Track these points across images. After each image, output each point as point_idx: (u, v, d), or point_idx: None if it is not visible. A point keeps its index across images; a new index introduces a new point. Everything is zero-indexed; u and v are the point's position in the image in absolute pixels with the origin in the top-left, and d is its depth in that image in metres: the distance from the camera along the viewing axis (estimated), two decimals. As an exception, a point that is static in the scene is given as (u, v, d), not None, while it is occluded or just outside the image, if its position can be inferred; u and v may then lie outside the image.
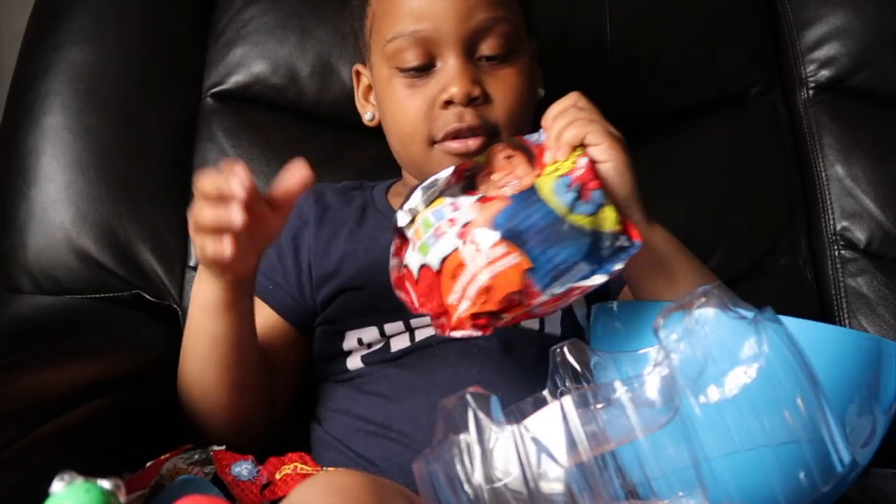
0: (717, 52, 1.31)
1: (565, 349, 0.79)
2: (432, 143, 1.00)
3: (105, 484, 0.59)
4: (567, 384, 0.79)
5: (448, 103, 0.98)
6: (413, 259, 0.85)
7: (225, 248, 0.82)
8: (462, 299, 0.79)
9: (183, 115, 1.24)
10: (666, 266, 0.88)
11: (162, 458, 0.83)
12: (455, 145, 0.99)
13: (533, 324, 0.98)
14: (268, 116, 1.25)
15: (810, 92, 1.33)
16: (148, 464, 0.81)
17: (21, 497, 0.73)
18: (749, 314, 0.66)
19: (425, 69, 0.99)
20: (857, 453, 0.82)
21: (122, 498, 0.58)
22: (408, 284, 0.85)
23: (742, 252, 1.25)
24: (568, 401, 0.61)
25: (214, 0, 1.29)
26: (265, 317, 1.01)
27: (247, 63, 1.25)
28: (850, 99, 1.30)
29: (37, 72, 1.23)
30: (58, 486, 0.58)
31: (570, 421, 0.60)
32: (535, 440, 0.61)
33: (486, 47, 0.99)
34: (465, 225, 0.82)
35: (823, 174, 1.29)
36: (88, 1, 1.26)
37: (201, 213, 0.83)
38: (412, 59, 0.98)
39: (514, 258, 0.79)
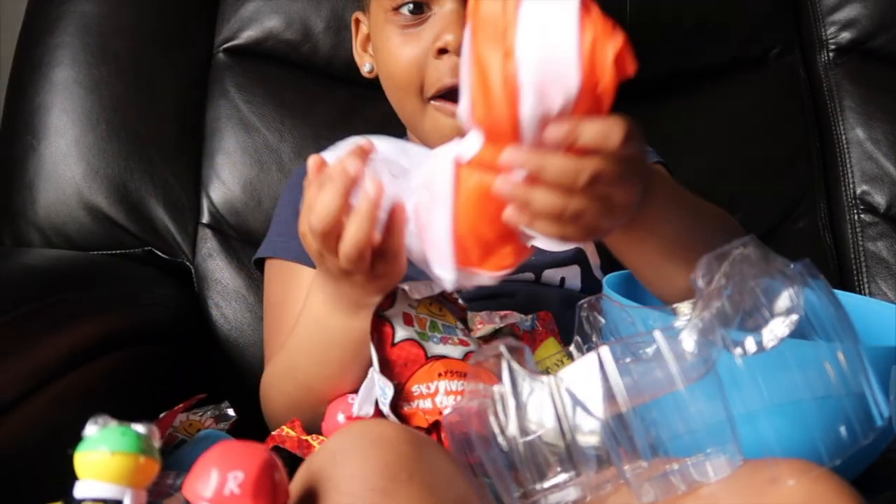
0: (736, 12, 1.29)
1: (592, 303, 0.78)
2: (427, 99, 0.94)
3: (139, 428, 0.58)
4: (594, 339, 0.79)
5: (442, 52, 0.92)
6: (405, 332, 0.81)
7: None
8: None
9: (195, 71, 1.22)
10: (681, 248, 0.79)
11: (175, 409, 0.82)
12: (451, 108, 0.91)
13: (554, 278, 0.96)
14: (281, 72, 1.23)
15: (830, 54, 1.31)
16: (162, 415, 0.80)
17: (46, 449, 0.72)
18: (787, 268, 0.64)
19: (420, 11, 0.93)
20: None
21: (156, 442, 0.57)
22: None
23: (761, 214, 1.24)
24: (606, 351, 0.60)
25: (227, -46, 1.27)
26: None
27: (259, 18, 1.23)
28: (870, 61, 1.28)
29: (45, 25, 1.21)
30: (91, 430, 0.56)
31: (608, 372, 0.59)
32: (569, 392, 0.60)
33: None
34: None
35: (843, 137, 1.27)
36: (98, -44, 1.24)
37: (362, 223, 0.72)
38: (409, 1, 0.93)
39: None
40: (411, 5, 0.94)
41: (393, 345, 0.78)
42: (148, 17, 1.22)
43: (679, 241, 0.78)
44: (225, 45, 1.24)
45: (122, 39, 1.21)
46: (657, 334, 0.60)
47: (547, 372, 0.64)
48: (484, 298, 0.92)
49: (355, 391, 0.81)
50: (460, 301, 0.85)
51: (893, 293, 1.22)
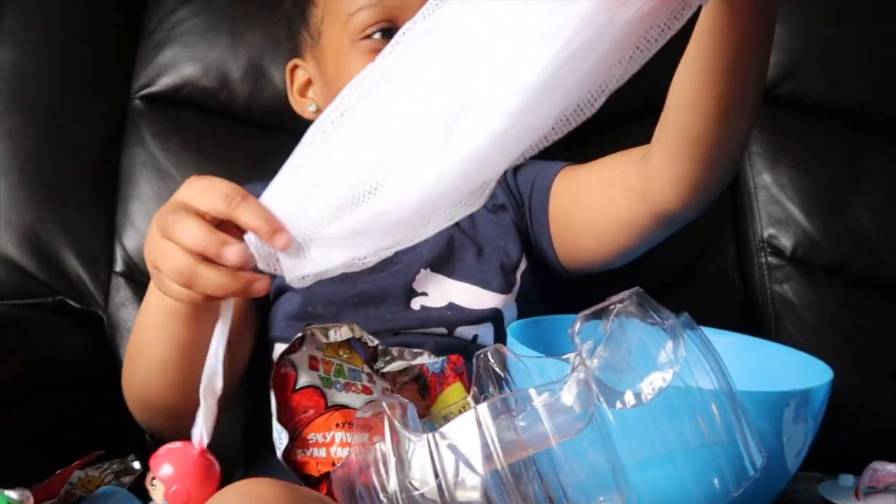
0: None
1: (488, 355, 0.79)
2: None
3: (12, 494, 0.58)
4: (490, 390, 0.80)
5: None
6: (308, 378, 0.81)
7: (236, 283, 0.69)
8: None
9: (111, 118, 1.23)
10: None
11: (71, 466, 0.81)
12: None
13: (467, 335, 0.97)
14: (198, 119, 1.23)
15: (739, 100, 1.34)
16: (57, 472, 0.80)
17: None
18: (666, 320, 0.66)
19: (391, 35, 0.95)
20: (790, 462, 0.84)
21: (28, 508, 0.57)
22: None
23: (672, 257, 1.26)
24: (483, 408, 0.61)
25: (145, 0, 1.27)
26: None
27: (177, 65, 1.24)
28: (776, 108, 1.31)
29: (-40, 72, 1.20)
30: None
31: (484, 428, 0.60)
32: (451, 448, 0.61)
33: None
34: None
35: (751, 181, 1.31)
36: (16, 1, 1.24)
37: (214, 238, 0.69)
38: (380, 25, 0.97)
39: None
40: (382, 31, 0.97)
41: (294, 390, 0.79)
42: (64, 64, 1.22)
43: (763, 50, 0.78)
44: (142, 92, 1.24)
45: (37, 87, 1.21)
46: (531, 392, 0.61)
47: (433, 428, 0.65)
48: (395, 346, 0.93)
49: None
50: (371, 343, 0.85)
51: (799, 335, 1.25)
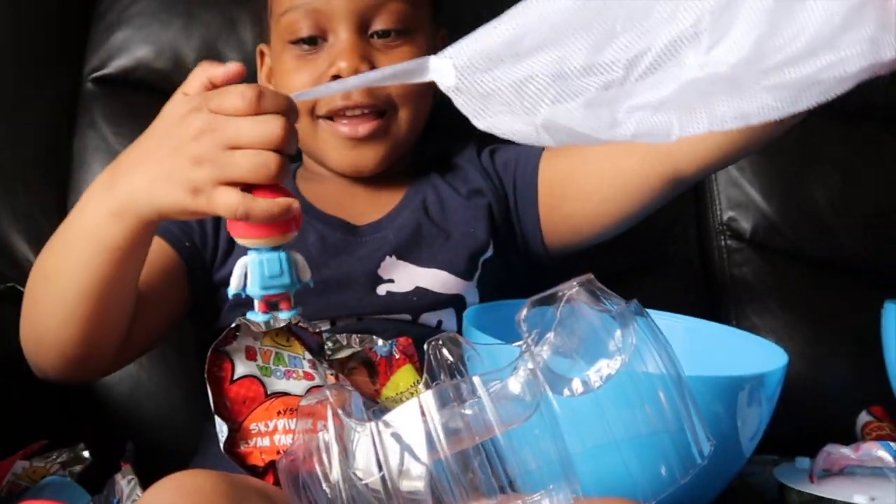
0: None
1: (440, 342, 0.78)
2: (317, 117, 0.98)
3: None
4: (442, 377, 0.79)
5: (335, 78, 0.96)
6: (245, 367, 0.80)
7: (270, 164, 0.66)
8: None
9: (62, 101, 1.20)
10: None
11: (13, 456, 0.80)
12: (344, 129, 0.98)
13: (431, 320, 0.97)
14: (151, 102, 1.16)
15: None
16: (-1, 462, 0.78)
17: None
18: (614, 307, 0.66)
19: (315, 42, 0.98)
20: (745, 446, 0.84)
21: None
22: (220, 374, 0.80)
23: (633, 241, 1.26)
24: (427, 396, 0.60)
25: (96, -19, 1.25)
26: (156, 246, 0.90)
27: (129, 47, 1.22)
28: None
29: None
30: None
31: (428, 417, 0.59)
32: (395, 436, 0.60)
33: (379, 23, 0.97)
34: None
35: (711, 164, 1.30)
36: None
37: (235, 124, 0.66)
38: (303, 30, 0.97)
39: None
40: (307, 34, 0.98)
41: (232, 381, 0.78)
42: (13, 46, 1.20)
43: None
44: (94, 75, 1.22)
45: (-14, 69, 1.18)
46: (476, 380, 0.60)
47: (381, 413, 0.64)
48: (357, 333, 0.92)
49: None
50: (311, 329, 0.84)
51: (758, 318, 1.25)
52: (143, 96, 1.21)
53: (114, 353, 0.86)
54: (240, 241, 0.69)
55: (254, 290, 0.69)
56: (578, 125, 0.62)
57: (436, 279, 0.98)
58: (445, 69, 0.64)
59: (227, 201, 0.66)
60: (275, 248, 0.69)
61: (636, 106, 0.60)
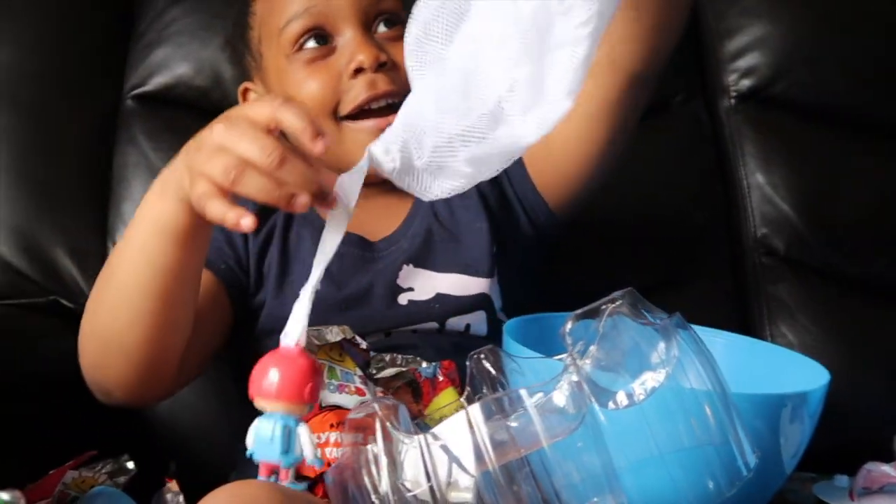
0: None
1: (482, 356, 0.79)
2: (340, 119, 0.98)
3: (4, 496, 0.57)
4: (484, 390, 0.80)
5: (357, 72, 0.96)
6: None
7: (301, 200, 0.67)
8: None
9: (102, 118, 1.23)
10: None
11: (64, 466, 0.81)
12: (370, 123, 0.97)
13: (458, 325, 0.97)
14: (190, 119, 1.22)
15: (732, 100, 1.34)
16: (51, 472, 0.79)
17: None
18: (659, 320, 0.66)
19: (324, 43, 0.98)
20: (787, 463, 0.84)
21: (20, 508, 0.57)
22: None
23: (664, 259, 1.27)
24: (475, 409, 0.61)
25: (136, 0, 1.27)
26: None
27: (169, 64, 1.24)
28: (769, 108, 1.32)
29: (-49, 74, 1.20)
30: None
31: (475, 429, 0.60)
32: (443, 448, 0.61)
33: (381, 16, 0.99)
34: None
35: (745, 182, 1.31)
36: (8, 3, 1.23)
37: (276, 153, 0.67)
38: (311, 32, 0.98)
39: None
40: (315, 38, 0.98)
41: None
42: (55, 64, 1.22)
43: None
44: (134, 92, 1.24)
45: (30, 88, 1.21)
46: (523, 392, 0.61)
47: (427, 429, 0.65)
48: (387, 350, 0.93)
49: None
50: (363, 345, 0.85)
51: (793, 335, 1.25)
52: (182, 113, 1.23)
53: (175, 368, 0.87)
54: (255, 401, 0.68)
55: (251, 451, 0.67)
56: (492, 148, 0.69)
57: (455, 283, 0.98)
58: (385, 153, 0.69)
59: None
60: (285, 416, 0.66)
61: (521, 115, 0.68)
